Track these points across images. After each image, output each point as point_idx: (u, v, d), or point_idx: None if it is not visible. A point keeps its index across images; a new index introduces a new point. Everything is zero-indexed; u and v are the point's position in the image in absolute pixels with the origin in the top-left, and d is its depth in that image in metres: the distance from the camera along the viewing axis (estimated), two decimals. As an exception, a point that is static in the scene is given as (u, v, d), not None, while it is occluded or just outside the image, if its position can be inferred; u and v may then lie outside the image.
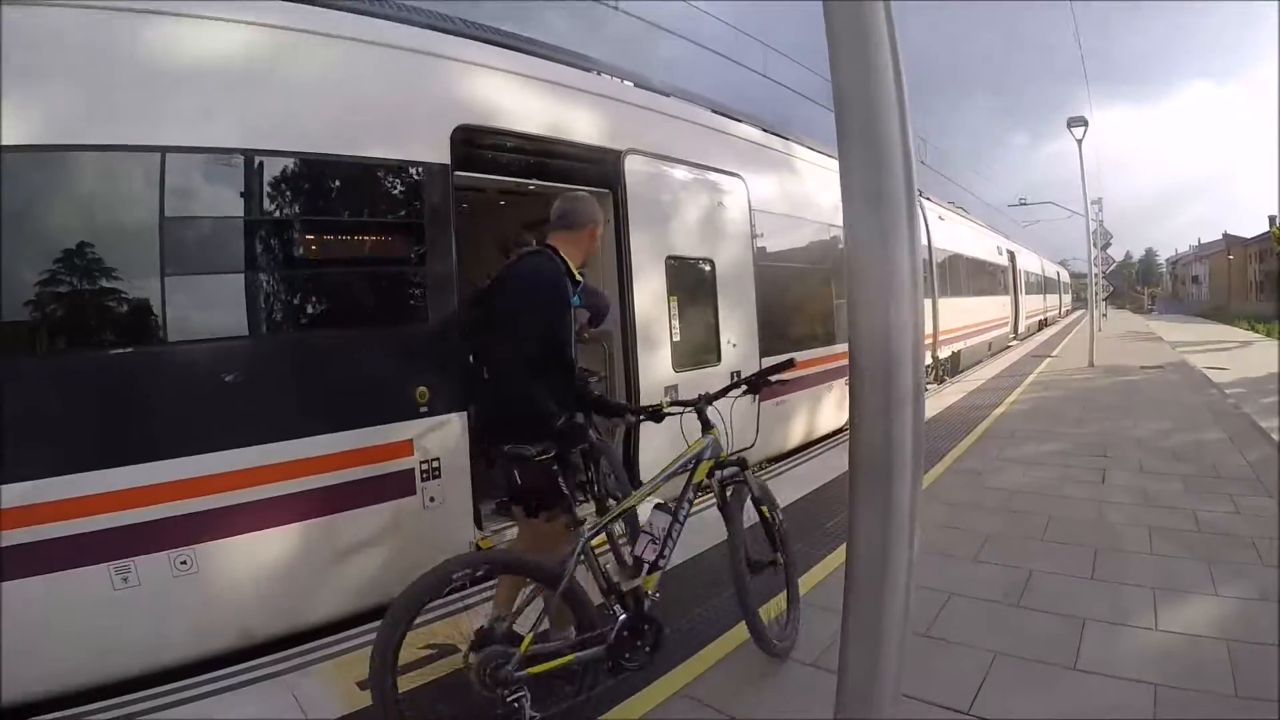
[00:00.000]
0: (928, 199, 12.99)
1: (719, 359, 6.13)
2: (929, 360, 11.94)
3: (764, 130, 7.45)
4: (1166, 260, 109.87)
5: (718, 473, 2.90)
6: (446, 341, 3.99)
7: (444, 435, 3.96)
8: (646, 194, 5.43)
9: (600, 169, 5.14)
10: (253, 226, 3.54)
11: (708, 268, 6.09)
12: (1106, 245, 19.15)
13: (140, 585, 3.05)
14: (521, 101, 4.66)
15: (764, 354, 6.63)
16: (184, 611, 3.17)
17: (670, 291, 5.58)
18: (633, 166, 5.28)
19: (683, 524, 2.68)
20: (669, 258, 5.59)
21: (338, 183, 3.83)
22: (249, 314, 3.47)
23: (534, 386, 2.59)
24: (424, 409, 3.89)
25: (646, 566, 2.58)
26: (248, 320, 3.46)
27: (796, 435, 7.42)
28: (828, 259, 8.07)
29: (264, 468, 3.35)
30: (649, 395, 5.29)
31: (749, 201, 6.59)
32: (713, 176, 6.18)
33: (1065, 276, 47.72)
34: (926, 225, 12.18)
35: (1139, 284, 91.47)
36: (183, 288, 3.28)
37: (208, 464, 3.20)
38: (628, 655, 2.44)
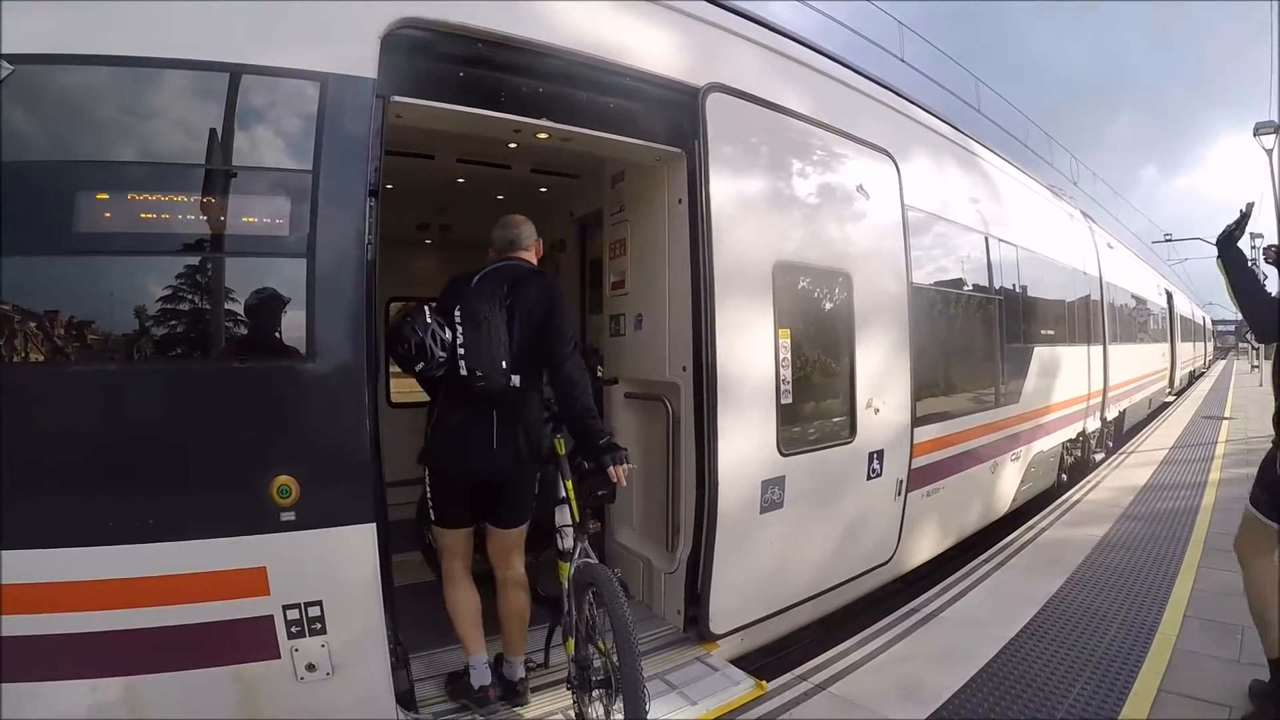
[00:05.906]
0: (1093, 222, 10.26)
1: (852, 432, 3.83)
2: (1097, 424, 9.16)
3: (916, 105, 5.15)
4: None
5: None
6: (344, 397, 2.24)
7: (331, 561, 2.24)
8: (742, 159, 3.31)
9: (664, 114, 3.10)
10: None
11: (841, 287, 3.81)
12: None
13: None
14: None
15: (918, 422, 4.33)
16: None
17: (780, 321, 3.38)
18: (720, 113, 3.17)
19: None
20: (779, 265, 3.41)
21: (139, 101, 2.08)
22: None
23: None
24: (288, 515, 2.12)
25: None
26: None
27: (952, 531, 5.27)
28: (995, 286, 5.78)
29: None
30: (735, 490, 3.19)
31: (901, 193, 4.31)
32: (847, 148, 3.94)
33: (1209, 322, 42.28)
34: (1097, 255, 9.62)
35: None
36: None
37: None
38: None
